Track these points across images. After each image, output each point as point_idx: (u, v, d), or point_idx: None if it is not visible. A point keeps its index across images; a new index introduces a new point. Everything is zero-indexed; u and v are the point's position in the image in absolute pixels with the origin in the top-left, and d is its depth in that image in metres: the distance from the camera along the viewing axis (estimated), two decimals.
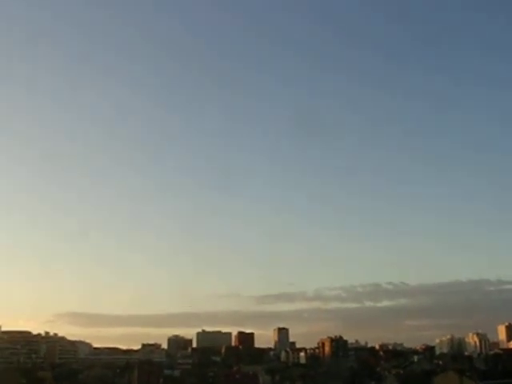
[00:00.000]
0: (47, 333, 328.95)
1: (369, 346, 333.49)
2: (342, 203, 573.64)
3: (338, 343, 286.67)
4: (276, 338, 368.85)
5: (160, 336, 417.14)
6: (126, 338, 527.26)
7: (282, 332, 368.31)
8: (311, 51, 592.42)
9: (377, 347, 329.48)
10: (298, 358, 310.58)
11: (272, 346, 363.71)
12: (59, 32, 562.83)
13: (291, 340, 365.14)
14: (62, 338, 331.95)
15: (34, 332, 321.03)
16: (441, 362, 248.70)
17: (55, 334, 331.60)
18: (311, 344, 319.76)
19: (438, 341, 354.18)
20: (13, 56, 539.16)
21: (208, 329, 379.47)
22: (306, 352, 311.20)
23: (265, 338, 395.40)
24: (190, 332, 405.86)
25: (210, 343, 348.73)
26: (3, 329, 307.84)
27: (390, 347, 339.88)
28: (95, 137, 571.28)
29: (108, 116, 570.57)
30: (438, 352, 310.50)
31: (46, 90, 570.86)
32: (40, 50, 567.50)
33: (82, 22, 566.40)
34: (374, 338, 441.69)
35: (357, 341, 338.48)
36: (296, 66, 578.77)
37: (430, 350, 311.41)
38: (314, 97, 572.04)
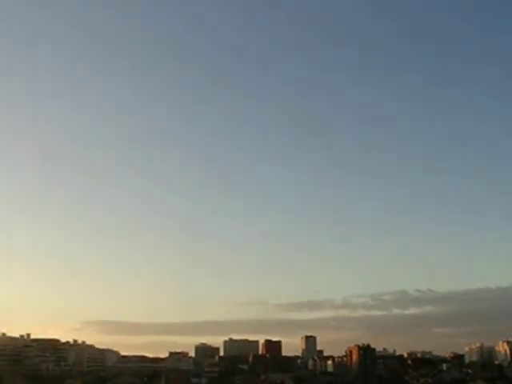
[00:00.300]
0: (75, 341, 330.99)
1: (397, 354, 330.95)
2: (367, 210, 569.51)
3: (365, 351, 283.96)
4: (303, 346, 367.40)
5: (187, 344, 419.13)
6: (154, 346, 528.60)
7: (310, 340, 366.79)
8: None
9: (405, 355, 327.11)
10: (326, 366, 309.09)
11: (299, 354, 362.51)
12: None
13: (319, 348, 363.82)
14: (90, 346, 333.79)
15: (63, 340, 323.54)
16: (470, 371, 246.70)
17: (83, 342, 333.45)
18: (339, 352, 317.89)
19: (467, 349, 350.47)
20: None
21: (235, 337, 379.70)
22: (333, 360, 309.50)
23: (292, 346, 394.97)
24: (217, 340, 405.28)
25: (238, 351, 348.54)
26: (32, 336, 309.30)
27: (419, 355, 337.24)
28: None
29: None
30: (467, 360, 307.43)
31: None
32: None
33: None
34: (401, 345, 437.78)
35: (385, 349, 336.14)
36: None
37: (458, 358, 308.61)
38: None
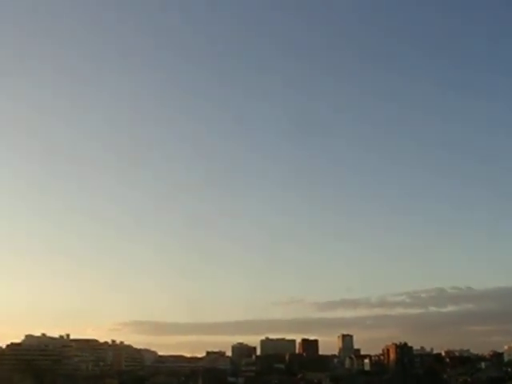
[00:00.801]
0: (113, 341, 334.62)
1: (434, 352, 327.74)
2: (401, 204, 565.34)
3: (402, 350, 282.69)
4: (340, 345, 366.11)
5: (224, 343, 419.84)
6: (191, 346, 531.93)
7: (346, 339, 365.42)
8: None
9: (442, 354, 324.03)
10: (363, 364, 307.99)
11: (336, 352, 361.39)
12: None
13: (355, 347, 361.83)
14: (128, 346, 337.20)
15: (101, 340, 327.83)
16: (510, 370, 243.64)
17: (121, 342, 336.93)
18: (376, 351, 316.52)
19: (506, 347, 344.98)
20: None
21: (272, 336, 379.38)
22: (370, 359, 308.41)
23: (329, 345, 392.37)
24: (254, 339, 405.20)
25: (274, 350, 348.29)
26: (71, 337, 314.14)
27: (457, 353, 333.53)
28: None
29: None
30: (506, 359, 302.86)
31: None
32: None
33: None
34: (439, 344, 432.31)
35: (422, 347, 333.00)
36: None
37: (498, 356, 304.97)
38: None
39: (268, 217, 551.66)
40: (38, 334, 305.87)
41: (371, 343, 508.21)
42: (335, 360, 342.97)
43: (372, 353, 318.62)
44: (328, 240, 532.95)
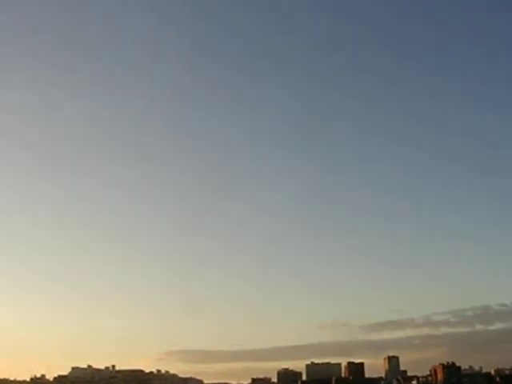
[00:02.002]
0: (159, 370, 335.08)
1: (484, 371, 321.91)
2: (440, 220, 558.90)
3: (450, 370, 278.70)
4: (386, 367, 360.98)
5: (269, 369, 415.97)
6: (236, 373, 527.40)
7: (393, 360, 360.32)
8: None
9: (492, 372, 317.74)
10: None
11: (383, 375, 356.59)
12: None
13: (402, 368, 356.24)
14: (174, 376, 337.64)
15: (147, 370, 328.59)
16: None
17: (166, 372, 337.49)
18: (423, 371, 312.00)
19: None
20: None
21: (317, 360, 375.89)
22: (418, 380, 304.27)
23: (375, 368, 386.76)
24: (299, 364, 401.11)
25: (320, 375, 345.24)
26: (117, 368, 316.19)
27: (507, 372, 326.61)
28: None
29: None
30: None
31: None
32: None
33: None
34: (488, 362, 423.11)
35: (470, 366, 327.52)
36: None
37: None
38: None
39: (310, 242, 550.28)
40: (84, 365, 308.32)
41: (418, 364, 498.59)
42: (382, 382, 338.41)
43: (419, 374, 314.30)
44: (370, 262, 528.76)
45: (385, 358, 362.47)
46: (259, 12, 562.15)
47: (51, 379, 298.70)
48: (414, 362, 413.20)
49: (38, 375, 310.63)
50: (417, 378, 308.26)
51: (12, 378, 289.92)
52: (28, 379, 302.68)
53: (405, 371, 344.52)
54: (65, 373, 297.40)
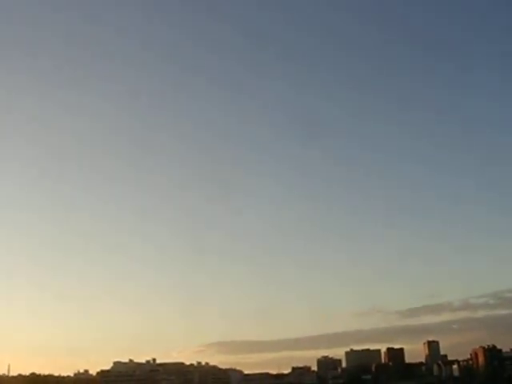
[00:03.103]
0: (199, 362, 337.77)
1: None
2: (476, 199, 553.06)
3: (491, 353, 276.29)
4: (426, 352, 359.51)
5: (309, 358, 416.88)
6: (276, 363, 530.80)
7: (432, 345, 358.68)
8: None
9: None
10: (451, 370, 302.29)
11: (423, 360, 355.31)
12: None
13: (442, 353, 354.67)
14: (214, 367, 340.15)
15: (187, 363, 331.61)
16: None
17: (206, 363, 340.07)
18: (463, 355, 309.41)
19: None
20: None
21: (356, 347, 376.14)
22: (458, 364, 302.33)
23: (415, 353, 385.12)
24: (338, 352, 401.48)
25: (360, 362, 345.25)
26: (158, 361, 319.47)
27: None
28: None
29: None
30: None
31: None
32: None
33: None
34: None
35: None
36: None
37: None
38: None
39: (343, 231, 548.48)
40: (125, 360, 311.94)
41: (458, 348, 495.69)
42: (423, 368, 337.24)
43: (460, 358, 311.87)
44: (405, 247, 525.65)
45: (424, 343, 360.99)
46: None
47: (94, 374, 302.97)
48: (453, 346, 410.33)
49: (82, 370, 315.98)
50: (457, 362, 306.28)
51: (56, 374, 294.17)
52: (72, 375, 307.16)
53: (445, 355, 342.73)
54: (107, 367, 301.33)
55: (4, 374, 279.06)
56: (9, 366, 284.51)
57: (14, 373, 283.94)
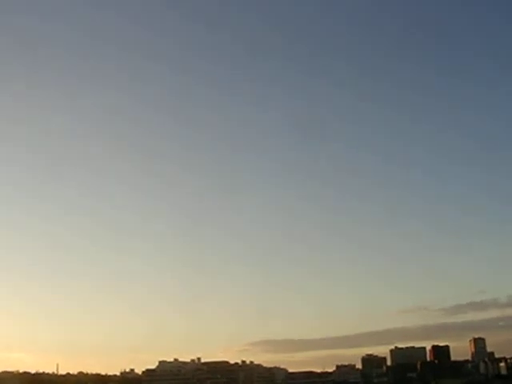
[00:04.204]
0: (243, 361, 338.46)
1: None
2: None
3: None
4: (472, 349, 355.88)
5: (353, 356, 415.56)
6: (320, 361, 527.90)
7: (479, 342, 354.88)
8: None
9: None
10: (499, 368, 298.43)
11: (469, 357, 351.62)
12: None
13: (489, 350, 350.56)
14: (258, 366, 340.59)
15: (232, 361, 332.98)
16: None
17: (251, 362, 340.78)
18: (511, 353, 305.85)
19: None
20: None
21: (400, 345, 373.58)
22: (506, 362, 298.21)
23: (461, 350, 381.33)
24: (382, 350, 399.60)
25: (405, 360, 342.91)
26: (203, 360, 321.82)
27: None
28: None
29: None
30: None
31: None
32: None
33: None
34: None
35: None
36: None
37: None
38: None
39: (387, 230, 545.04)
40: (170, 359, 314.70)
41: (505, 345, 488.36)
42: (469, 365, 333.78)
43: (507, 355, 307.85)
44: (448, 245, 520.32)
45: (470, 340, 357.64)
46: None
47: (140, 373, 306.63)
48: (500, 344, 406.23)
49: (128, 370, 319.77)
50: (505, 359, 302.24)
51: (103, 373, 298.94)
52: (118, 373, 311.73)
53: (492, 353, 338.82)
54: (152, 366, 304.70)
55: (53, 373, 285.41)
56: (57, 365, 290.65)
57: (62, 371, 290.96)
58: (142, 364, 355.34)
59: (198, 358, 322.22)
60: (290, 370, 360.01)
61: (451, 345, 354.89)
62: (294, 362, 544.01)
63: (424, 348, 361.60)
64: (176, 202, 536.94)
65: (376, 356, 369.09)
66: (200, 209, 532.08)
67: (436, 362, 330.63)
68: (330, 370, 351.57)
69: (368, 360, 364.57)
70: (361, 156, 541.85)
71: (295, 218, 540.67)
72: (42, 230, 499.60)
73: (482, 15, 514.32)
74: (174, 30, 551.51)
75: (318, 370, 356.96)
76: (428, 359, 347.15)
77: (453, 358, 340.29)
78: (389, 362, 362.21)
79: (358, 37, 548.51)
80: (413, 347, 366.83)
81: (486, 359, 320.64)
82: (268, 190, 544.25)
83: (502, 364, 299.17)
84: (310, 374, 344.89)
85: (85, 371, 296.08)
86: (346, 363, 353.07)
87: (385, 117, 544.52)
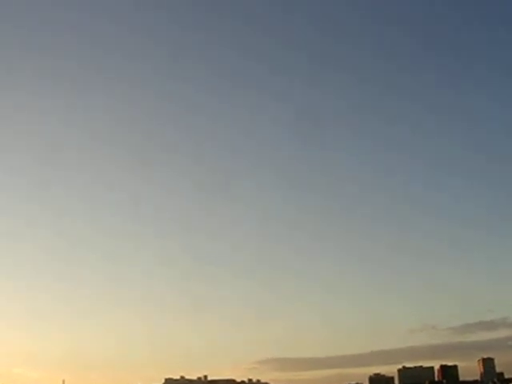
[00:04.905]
0: (250, 379, 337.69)
1: None
2: None
3: None
4: (481, 370, 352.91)
5: (361, 375, 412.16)
6: (328, 380, 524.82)
7: (488, 362, 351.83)
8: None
9: None
10: None
11: (478, 377, 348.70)
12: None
13: (498, 370, 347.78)
14: None
15: (239, 380, 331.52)
16: None
17: (258, 381, 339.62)
18: None
19: None
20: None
21: (408, 364, 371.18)
22: None
23: (469, 370, 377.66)
24: (390, 369, 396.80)
25: (413, 379, 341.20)
26: (209, 378, 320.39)
27: None
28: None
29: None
30: None
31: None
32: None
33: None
34: None
35: None
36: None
37: None
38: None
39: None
40: (177, 376, 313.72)
41: None
42: None
43: None
44: (457, 262, 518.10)
45: (479, 360, 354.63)
46: None
47: None
48: (510, 364, 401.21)
49: None
50: None
51: None
52: None
53: (501, 373, 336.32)
54: None
55: None
56: (63, 381, 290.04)
57: None
58: (148, 381, 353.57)
59: (205, 376, 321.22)
60: None
61: (460, 364, 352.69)
62: (302, 381, 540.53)
63: (432, 368, 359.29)
64: (176, 211, 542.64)
65: (384, 375, 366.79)
66: (200, 216, 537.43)
67: (444, 381, 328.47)
68: None
69: (376, 379, 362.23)
70: (361, 167, 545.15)
71: (296, 229, 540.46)
72: (42, 240, 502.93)
73: (480, 21, 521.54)
74: (174, 38, 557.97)
75: None
76: (436, 379, 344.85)
77: (461, 378, 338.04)
78: (396, 382, 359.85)
79: (357, 46, 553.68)
80: (421, 367, 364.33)
81: (495, 379, 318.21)
82: (268, 200, 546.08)
83: None
84: None
85: None
86: (354, 382, 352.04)
87: (385, 128, 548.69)
